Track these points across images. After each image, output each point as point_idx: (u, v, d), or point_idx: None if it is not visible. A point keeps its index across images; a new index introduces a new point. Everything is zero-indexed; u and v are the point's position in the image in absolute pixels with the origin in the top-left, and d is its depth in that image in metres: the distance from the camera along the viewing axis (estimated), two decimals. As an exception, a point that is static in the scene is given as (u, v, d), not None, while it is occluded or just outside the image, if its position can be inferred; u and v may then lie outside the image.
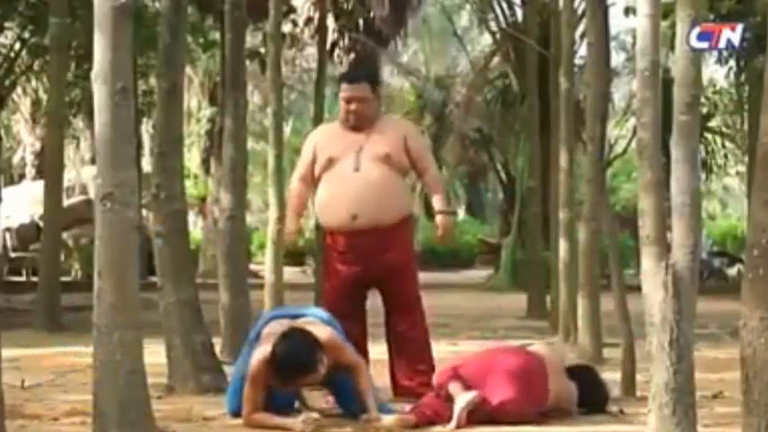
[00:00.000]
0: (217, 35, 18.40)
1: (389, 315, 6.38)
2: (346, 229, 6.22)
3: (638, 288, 4.34)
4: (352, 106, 6.27)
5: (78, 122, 23.93)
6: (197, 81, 29.35)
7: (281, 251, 10.02)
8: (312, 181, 6.43)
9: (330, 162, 6.28)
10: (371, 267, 6.24)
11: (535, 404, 5.56)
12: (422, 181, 6.66)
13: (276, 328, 5.73)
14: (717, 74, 24.83)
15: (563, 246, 9.78)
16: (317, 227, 15.86)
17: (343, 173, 6.22)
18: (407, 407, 5.67)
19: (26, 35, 17.37)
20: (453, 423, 5.35)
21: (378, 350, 6.52)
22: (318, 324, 5.77)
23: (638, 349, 6.23)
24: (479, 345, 9.11)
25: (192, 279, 6.94)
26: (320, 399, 5.99)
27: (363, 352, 6.21)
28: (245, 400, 5.53)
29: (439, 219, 6.52)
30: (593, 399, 5.87)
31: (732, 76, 21.21)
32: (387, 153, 6.21)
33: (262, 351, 5.54)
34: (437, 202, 6.53)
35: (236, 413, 5.67)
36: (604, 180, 8.36)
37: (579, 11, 12.71)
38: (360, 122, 6.28)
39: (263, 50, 17.30)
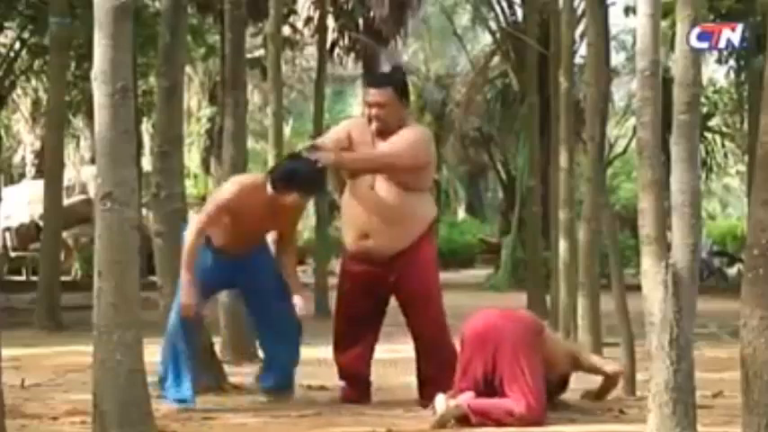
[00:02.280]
0: (216, 38, 18.43)
1: (406, 317, 6.22)
2: (359, 248, 6.10)
3: (638, 287, 4.34)
4: (374, 111, 6.08)
5: (78, 122, 23.95)
6: (197, 81, 29.38)
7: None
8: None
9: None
10: (386, 270, 6.06)
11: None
12: None
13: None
14: (717, 74, 24.89)
15: (563, 245, 9.78)
16: (318, 226, 15.94)
17: (361, 190, 6.08)
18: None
19: (26, 35, 17.39)
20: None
21: (383, 348, 6.54)
22: None
23: (638, 349, 6.23)
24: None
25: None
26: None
27: (365, 363, 6.21)
28: (198, 220, 5.86)
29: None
30: None
31: (732, 75, 21.24)
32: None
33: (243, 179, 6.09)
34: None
35: (183, 400, 5.79)
36: (604, 180, 8.35)
37: (579, 10, 12.71)
38: (381, 128, 6.07)
39: (263, 52, 17.31)
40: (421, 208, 6.12)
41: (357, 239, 6.10)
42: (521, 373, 5.40)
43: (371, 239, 6.04)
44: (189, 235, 5.81)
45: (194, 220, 5.97)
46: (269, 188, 5.82)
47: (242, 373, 7.04)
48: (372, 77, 6.40)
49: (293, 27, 19.88)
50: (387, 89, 6.10)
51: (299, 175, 5.78)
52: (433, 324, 6.11)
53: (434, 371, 6.04)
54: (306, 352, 6.75)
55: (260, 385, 6.27)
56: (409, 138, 6.06)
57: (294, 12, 19.68)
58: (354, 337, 6.20)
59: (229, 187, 5.97)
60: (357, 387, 6.25)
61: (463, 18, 30.15)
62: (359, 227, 6.09)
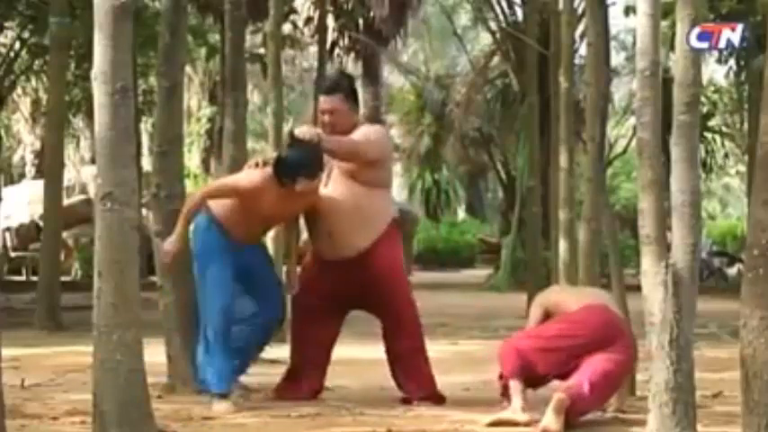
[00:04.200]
0: (217, 38, 18.43)
1: (384, 330, 6.31)
2: (326, 247, 6.19)
3: (638, 288, 4.34)
4: (326, 118, 6.23)
5: (78, 122, 23.95)
6: (197, 80, 29.38)
7: (280, 250, 10.00)
8: None
9: None
10: (350, 283, 6.13)
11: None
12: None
13: None
14: (717, 74, 24.89)
15: (563, 245, 9.75)
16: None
17: (321, 190, 6.16)
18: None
19: (26, 35, 17.39)
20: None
21: (373, 350, 6.55)
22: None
23: (638, 349, 6.23)
24: (479, 344, 9.13)
25: (192, 278, 6.92)
26: None
27: (321, 361, 6.30)
28: (216, 186, 6.20)
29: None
30: None
31: (732, 75, 21.23)
32: (348, 168, 6.11)
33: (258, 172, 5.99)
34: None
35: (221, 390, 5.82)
36: (604, 180, 8.35)
37: (579, 10, 12.70)
38: (331, 134, 6.15)
39: (263, 50, 17.30)
40: (377, 204, 6.19)
41: (322, 237, 6.18)
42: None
43: (334, 235, 6.11)
44: (193, 197, 6.04)
45: (209, 185, 6.18)
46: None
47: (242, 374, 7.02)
48: (323, 84, 6.80)
49: (294, 25, 19.86)
50: (336, 96, 6.25)
51: (298, 163, 5.85)
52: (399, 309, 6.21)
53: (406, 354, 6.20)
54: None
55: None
56: (369, 133, 6.22)
57: (294, 12, 19.68)
58: (309, 338, 6.27)
59: (255, 175, 6.01)
60: (297, 385, 6.29)
61: (463, 18, 30.15)
62: (321, 226, 6.16)
